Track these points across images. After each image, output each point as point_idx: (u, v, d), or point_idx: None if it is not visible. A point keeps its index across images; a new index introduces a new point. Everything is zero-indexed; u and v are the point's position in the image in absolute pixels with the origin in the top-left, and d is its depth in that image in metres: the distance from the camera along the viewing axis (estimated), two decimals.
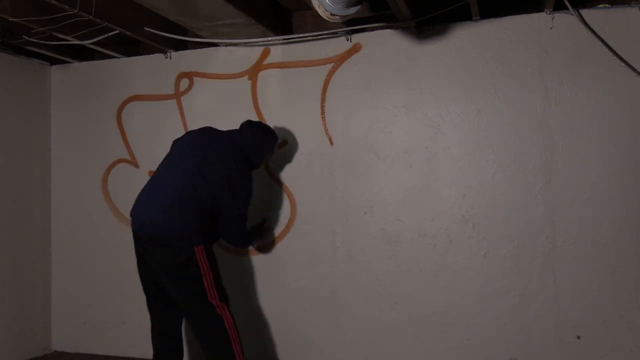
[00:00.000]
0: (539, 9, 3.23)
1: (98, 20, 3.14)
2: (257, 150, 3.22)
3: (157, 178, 3.10)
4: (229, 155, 3.09)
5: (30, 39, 3.47)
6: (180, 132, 3.83)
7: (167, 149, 3.85)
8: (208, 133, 3.23)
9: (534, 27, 3.25)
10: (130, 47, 3.99)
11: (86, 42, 3.50)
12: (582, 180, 3.17)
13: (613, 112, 3.14)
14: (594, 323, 3.15)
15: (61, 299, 4.17)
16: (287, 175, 3.65)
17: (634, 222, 3.10)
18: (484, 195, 3.32)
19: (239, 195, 3.08)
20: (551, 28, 3.23)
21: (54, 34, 3.33)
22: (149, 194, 3.05)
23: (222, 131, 3.26)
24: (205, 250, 2.97)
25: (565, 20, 3.20)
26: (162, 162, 3.16)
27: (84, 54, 4.08)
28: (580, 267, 3.16)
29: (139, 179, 3.94)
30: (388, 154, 3.47)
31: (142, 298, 3.90)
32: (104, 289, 4.05)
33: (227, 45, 3.76)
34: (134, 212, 3.06)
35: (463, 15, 3.30)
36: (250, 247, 3.67)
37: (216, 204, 3.02)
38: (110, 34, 3.41)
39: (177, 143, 3.24)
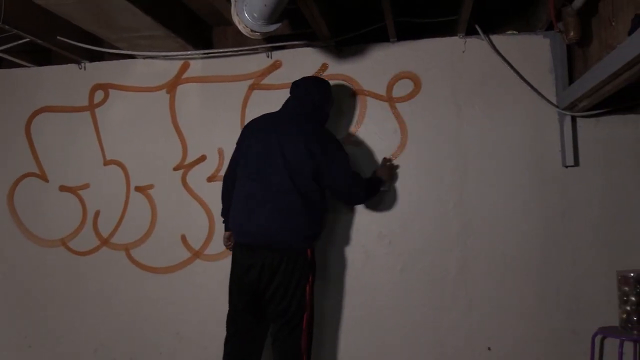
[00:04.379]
0: (452, 33, 3.37)
1: (7, 27, 3.00)
2: (317, 102, 3.06)
3: (250, 184, 2.93)
4: (299, 127, 2.95)
5: None
6: (94, 145, 3.74)
7: (80, 162, 3.74)
8: (268, 120, 3.07)
9: (447, 50, 3.39)
10: (42, 56, 3.84)
11: None
12: (492, 196, 3.30)
13: (519, 133, 3.30)
14: (503, 335, 3.27)
15: None
16: (206, 191, 3.60)
17: (537, 236, 3.26)
18: (400, 212, 3.39)
19: (334, 155, 2.94)
20: (463, 52, 3.38)
21: None
22: (249, 202, 2.90)
23: (276, 111, 3.13)
24: (313, 254, 2.93)
25: (477, 44, 3.35)
26: (240, 168, 3.01)
27: None
28: (490, 281, 3.28)
29: (49, 194, 3.79)
30: None
31: (48, 320, 3.74)
32: (7, 311, 3.81)
33: (145, 57, 3.68)
34: (237, 222, 2.93)
35: (381, 37, 3.39)
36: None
37: (319, 183, 2.91)
38: (20, 42, 3.27)
39: (245, 142, 3.05)
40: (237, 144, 3.12)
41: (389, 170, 3.34)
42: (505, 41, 3.34)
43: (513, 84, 3.30)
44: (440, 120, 3.38)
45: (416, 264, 3.36)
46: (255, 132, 3.03)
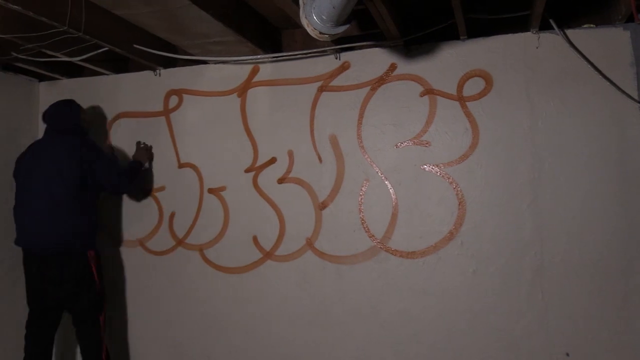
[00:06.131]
0: (525, 29, 3.27)
1: (87, 37, 3.13)
2: (68, 117, 3.57)
3: (27, 198, 3.40)
4: (60, 144, 3.43)
5: (19, 56, 3.47)
6: (169, 149, 3.87)
7: (157, 165, 3.91)
8: (34, 148, 3.55)
9: (520, 46, 3.29)
10: (120, 64, 4.00)
11: (75, 59, 3.50)
12: (569, 197, 3.18)
13: (599, 129, 3.17)
14: (583, 340, 3.14)
15: None
16: (276, 192, 3.65)
17: (619, 239, 3.11)
18: (472, 212, 3.32)
19: (97, 157, 3.44)
20: (537, 47, 3.27)
21: (43, 50, 3.32)
22: (28, 212, 3.36)
23: (38, 140, 3.68)
24: (96, 255, 3.42)
25: (551, 39, 3.24)
26: (22, 186, 3.48)
27: (72, 71, 4.07)
28: (569, 284, 3.17)
29: (128, 196, 3.94)
30: (377, 171, 3.48)
31: (126, 317, 3.89)
32: None
33: (216, 62, 3.77)
34: (20, 232, 3.36)
35: (451, 35, 3.34)
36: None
37: (87, 186, 3.40)
38: (100, 51, 3.41)
39: (17, 174, 3.55)
40: (13, 177, 3.58)
41: (145, 151, 3.81)
42: (581, 35, 3.21)
43: (591, 80, 3.17)
44: (513, 118, 3.28)
45: (489, 266, 3.28)
46: (24, 163, 3.51)
